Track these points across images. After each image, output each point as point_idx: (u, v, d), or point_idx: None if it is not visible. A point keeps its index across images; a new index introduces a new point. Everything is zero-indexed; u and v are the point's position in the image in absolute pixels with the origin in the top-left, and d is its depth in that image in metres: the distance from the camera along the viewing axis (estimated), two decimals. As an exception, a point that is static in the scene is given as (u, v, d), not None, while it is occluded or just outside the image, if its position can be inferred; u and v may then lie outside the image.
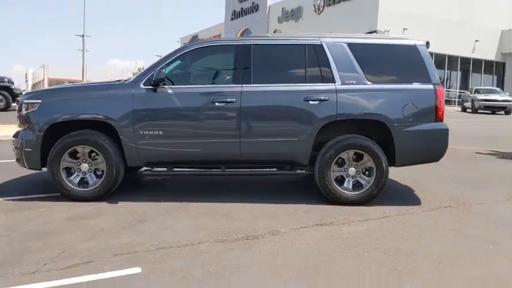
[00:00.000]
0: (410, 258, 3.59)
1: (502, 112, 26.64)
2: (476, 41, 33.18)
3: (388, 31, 21.17)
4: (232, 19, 44.00)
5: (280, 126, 5.10)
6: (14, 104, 16.78)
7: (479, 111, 26.45)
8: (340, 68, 5.10)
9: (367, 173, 5.11)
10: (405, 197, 5.58)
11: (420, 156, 5.24)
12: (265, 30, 35.35)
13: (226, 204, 4.99)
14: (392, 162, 5.12)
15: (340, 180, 5.11)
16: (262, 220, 4.49)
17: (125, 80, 5.37)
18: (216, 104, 5.00)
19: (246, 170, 5.38)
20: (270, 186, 6.20)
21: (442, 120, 5.12)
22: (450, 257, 3.62)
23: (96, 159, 5.09)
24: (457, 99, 33.26)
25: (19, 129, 5.29)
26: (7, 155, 6.71)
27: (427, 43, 5.29)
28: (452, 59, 33.50)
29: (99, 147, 5.00)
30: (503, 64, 35.86)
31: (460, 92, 32.75)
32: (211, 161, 5.20)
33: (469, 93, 28.91)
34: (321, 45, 5.16)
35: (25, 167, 5.25)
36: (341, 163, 5.11)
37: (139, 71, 23.75)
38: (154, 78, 4.92)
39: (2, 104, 17.98)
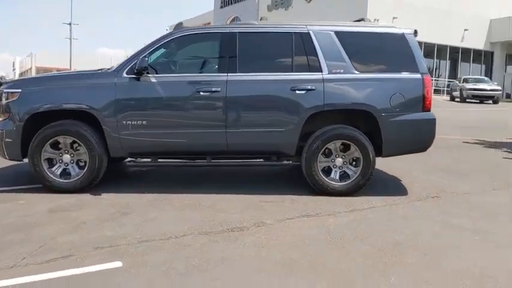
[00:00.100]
0: (396, 249, 3.55)
1: (490, 101, 26.82)
2: (465, 30, 33.25)
3: (378, 20, 21.11)
4: (221, 7, 43.64)
5: (266, 116, 5.02)
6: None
7: (467, 100, 26.61)
8: (328, 56, 5.02)
9: (354, 163, 5.06)
10: (392, 187, 5.56)
11: (407, 147, 5.20)
12: (254, 18, 35.04)
13: (212, 196, 4.92)
14: (379, 153, 5.08)
15: (327, 171, 5.06)
16: (247, 212, 4.43)
17: (108, 69, 5.23)
18: (201, 93, 4.90)
19: (232, 161, 5.30)
20: (256, 177, 6.13)
21: (429, 110, 5.08)
22: (436, 249, 3.59)
23: (79, 150, 4.99)
24: (445, 89, 33.40)
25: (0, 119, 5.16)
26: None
27: (415, 31, 5.22)
28: (441, 48, 33.56)
29: (81, 137, 4.89)
30: (492, 53, 36.02)
31: (449, 81, 32.89)
32: (197, 152, 5.12)
33: (457, 82, 29.06)
34: (308, 34, 5.07)
35: (5, 158, 5.12)
36: (328, 154, 5.05)
37: (127, 59, 23.33)
38: (137, 67, 4.80)
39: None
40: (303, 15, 31.22)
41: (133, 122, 4.88)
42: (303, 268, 3.19)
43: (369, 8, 28.25)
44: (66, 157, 5.00)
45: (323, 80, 4.94)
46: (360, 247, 3.59)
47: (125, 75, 4.94)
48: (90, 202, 4.69)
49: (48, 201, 4.67)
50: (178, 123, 4.94)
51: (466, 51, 34.82)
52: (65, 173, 5.01)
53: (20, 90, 4.99)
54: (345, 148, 5.04)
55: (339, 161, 5.05)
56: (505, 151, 8.60)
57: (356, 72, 5.01)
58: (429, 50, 32.04)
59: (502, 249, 3.63)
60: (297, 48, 5.04)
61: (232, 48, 5.00)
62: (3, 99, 5.06)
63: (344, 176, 5.06)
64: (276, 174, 6.25)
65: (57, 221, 4.10)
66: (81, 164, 5.01)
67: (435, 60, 33.97)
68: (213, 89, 4.89)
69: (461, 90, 27.22)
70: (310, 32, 5.08)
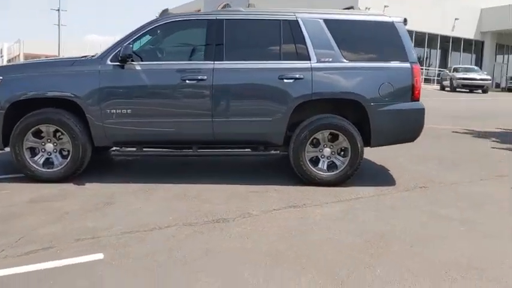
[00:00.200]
0: (383, 240, 3.52)
1: (480, 91, 26.95)
2: (456, 19, 33.27)
3: (369, 8, 21.02)
4: (212, -7, 43.12)
5: (253, 106, 4.94)
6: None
7: (457, 89, 26.72)
8: (316, 45, 4.94)
9: (342, 153, 5.02)
10: (380, 177, 5.53)
11: (396, 137, 5.16)
12: (245, 4, 34.69)
13: (198, 186, 4.85)
14: (367, 143, 5.03)
15: (315, 161, 5.01)
16: (233, 202, 4.37)
17: (92, 56, 5.11)
18: (187, 81, 4.80)
19: (219, 151, 5.23)
20: (243, 167, 6.07)
21: (418, 100, 5.03)
22: (423, 240, 3.56)
23: (62, 138, 4.88)
24: (436, 78, 33.49)
25: None
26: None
27: (405, 20, 5.15)
28: (432, 37, 33.58)
29: (64, 126, 4.79)
30: (482, 43, 36.14)
31: (439, 71, 32.97)
32: (183, 141, 5.03)
33: (447, 71, 29.14)
34: (296, 21, 4.98)
35: (-13, 147, 5.00)
36: (316, 143, 5.00)
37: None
38: (122, 54, 4.69)
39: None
40: (294, 2, 30.94)
41: (117, 111, 4.78)
42: (289, 260, 3.15)
43: (361, -5, 28.11)
44: (49, 146, 4.90)
45: (311, 69, 4.87)
46: (347, 238, 3.56)
47: (109, 62, 4.82)
48: (73, 192, 4.60)
49: (30, 191, 4.57)
50: (163, 112, 4.85)
51: (456, 41, 34.89)
52: (48, 162, 4.91)
53: (1, 78, 4.86)
54: (333, 138, 4.99)
55: (327, 151, 5.00)
56: (494, 141, 8.62)
57: (345, 60, 4.94)
58: (420, 39, 32.06)
59: (489, 239, 3.62)
60: (285, 36, 4.95)
61: (218, 36, 4.90)
62: (-16, 86, 4.92)
63: (332, 166, 5.01)
64: (263, 164, 6.19)
65: (39, 211, 4.01)
66: (65, 153, 4.91)
67: (426, 49, 34.01)
68: (199, 77, 4.79)
69: (451, 79, 27.32)
70: (299, 20, 4.99)
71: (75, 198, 4.40)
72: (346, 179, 4.98)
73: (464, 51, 35.82)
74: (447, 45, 34.93)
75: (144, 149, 5.08)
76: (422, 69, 30.36)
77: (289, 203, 4.40)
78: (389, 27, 5.10)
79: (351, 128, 4.91)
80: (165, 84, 4.86)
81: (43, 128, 4.84)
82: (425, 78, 32.44)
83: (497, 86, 35.69)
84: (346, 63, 4.94)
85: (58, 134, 4.87)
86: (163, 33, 5.14)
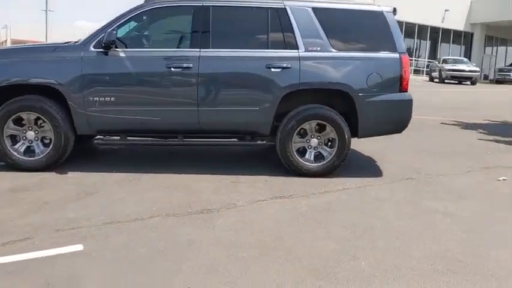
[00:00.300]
0: (368, 233, 3.49)
1: (468, 82, 27.10)
2: (446, 10, 33.30)
3: (360, -2, 20.88)
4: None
5: (240, 95, 4.86)
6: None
7: (446, 81, 26.83)
8: (304, 33, 4.86)
9: (329, 144, 4.97)
10: (367, 168, 5.49)
11: (383, 128, 5.12)
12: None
13: (183, 176, 4.78)
14: (355, 134, 4.99)
15: (302, 152, 4.96)
16: (218, 193, 4.31)
17: (75, 42, 4.97)
18: (172, 69, 4.69)
19: (205, 140, 5.16)
20: (229, 157, 5.99)
21: (406, 91, 4.99)
22: (408, 232, 3.54)
23: (43, 126, 4.76)
24: (425, 69, 33.57)
25: None
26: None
27: (394, 10, 5.09)
28: (422, 28, 33.61)
29: (45, 114, 4.67)
30: (471, 34, 36.26)
31: (429, 62, 33.05)
32: (168, 130, 4.94)
33: (437, 63, 29.25)
34: (285, 9, 4.89)
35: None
36: (303, 134, 4.94)
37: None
38: (105, 40, 4.57)
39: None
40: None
41: (100, 99, 4.67)
42: (273, 251, 3.10)
43: (351, -15, 27.93)
44: (31, 134, 4.78)
45: (299, 58, 4.80)
46: (332, 230, 3.52)
47: (92, 49, 4.70)
48: (54, 181, 4.50)
49: (10, 180, 4.47)
50: (147, 100, 4.75)
51: (446, 32, 34.96)
52: (29, 151, 4.79)
53: (-21, 64, 4.71)
54: (321, 128, 4.93)
55: (314, 141, 4.95)
56: (481, 132, 8.65)
57: (333, 50, 4.87)
58: (410, 30, 32.07)
59: (475, 232, 3.60)
60: (273, 24, 4.86)
61: (205, 23, 4.79)
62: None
63: (319, 156, 4.96)
64: (250, 155, 6.13)
65: (19, 201, 3.92)
66: (46, 141, 4.80)
67: (416, 40, 34.04)
68: (185, 65, 4.69)
69: (440, 70, 27.42)
70: (287, 8, 4.90)
71: (56, 188, 4.30)
72: (333, 170, 4.93)
73: (453, 42, 35.94)
74: (437, 36, 35.00)
75: (129, 138, 4.98)
76: (411, 60, 30.44)
77: (275, 193, 4.35)
78: (379, 17, 5.04)
79: (339, 118, 4.86)
80: (150, 72, 4.75)
81: (24, 115, 4.72)
82: (414, 70, 32.53)
83: (486, 78, 35.91)
84: (335, 53, 4.87)
85: (40, 121, 4.75)
86: (148, 19, 5.03)
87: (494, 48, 38.55)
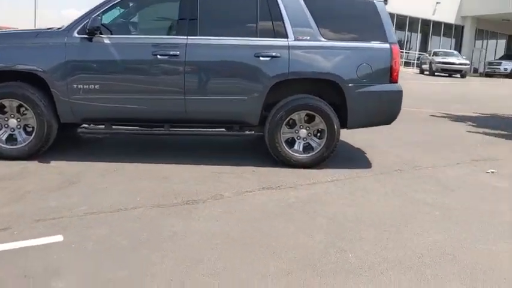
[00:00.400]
0: (357, 225, 3.44)
1: (458, 75, 27.19)
2: (437, 3, 33.29)
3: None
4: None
5: (228, 84, 4.77)
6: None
7: (436, 73, 26.88)
8: (294, 22, 4.77)
9: (318, 135, 4.90)
10: (356, 160, 5.45)
11: (373, 119, 5.06)
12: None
13: (169, 166, 4.69)
14: (344, 125, 4.93)
15: (291, 142, 4.89)
16: (205, 183, 4.23)
17: (58, 28, 4.83)
18: (158, 56, 4.58)
19: (192, 130, 5.05)
20: (217, 147, 5.90)
21: (396, 82, 4.93)
22: (396, 224, 3.49)
23: (26, 114, 4.64)
24: (416, 62, 33.61)
25: None
26: None
27: (385, 0, 5.01)
28: (413, 21, 33.59)
29: (28, 101, 4.54)
30: (462, 27, 36.30)
31: (420, 54, 33.08)
32: (154, 119, 4.84)
33: (427, 55, 29.26)
34: (274, -3, 4.79)
35: None
36: (292, 124, 4.87)
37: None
38: (89, 26, 4.44)
39: None
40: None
41: (84, 86, 4.55)
42: (259, 243, 3.04)
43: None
44: (13, 122, 4.66)
45: (288, 47, 4.71)
46: (320, 222, 3.46)
47: (75, 35, 4.57)
48: (37, 170, 4.39)
49: (-9, 168, 4.35)
50: (132, 88, 4.63)
51: (437, 25, 34.97)
52: (12, 139, 4.67)
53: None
54: (310, 119, 4.86)
55: (303, 132, 4.88)
56: (470, 125, 8.65)
57: (323, 39, 4.79)
58: (401, 22, 32.04)
59: (463, 224, 3.57)
60: (262, 11, 4.75)
61: (192, 10, 4.68)
62: None
63: (308, 147, 4.90)
64: (238, 145, 6.05)
65: (0, 190, 3.82)
66: (29, 129, 4.67)
67: (407, 32, 34.03)
68: (171, 53, 4.58)
69: (430, 63, 27.45)
70: (277, -5, 4.79)
71: (38, 177, 4.20)
72: (322, 161, 4.88)
73: (444, 35, 35.97)
74: (428, 29, 35.00)
75: (114, 127, 4.87)
76: (402, 52, 30.43)
77: (263, 184, 4.28)
78: (370, 6, 4.96)
79: (328, 109, 4.79)
80: (135, 59, 4.64)
81: (6, 102, 4.59)
82: (405, 62, 32.55)
83: (475, 71, 36.06)
84: (324, 42, 4.79)
85: (22, 109, 4.63)
86: (135, 5, 4.92)
87: (484, 41, 38.65)
